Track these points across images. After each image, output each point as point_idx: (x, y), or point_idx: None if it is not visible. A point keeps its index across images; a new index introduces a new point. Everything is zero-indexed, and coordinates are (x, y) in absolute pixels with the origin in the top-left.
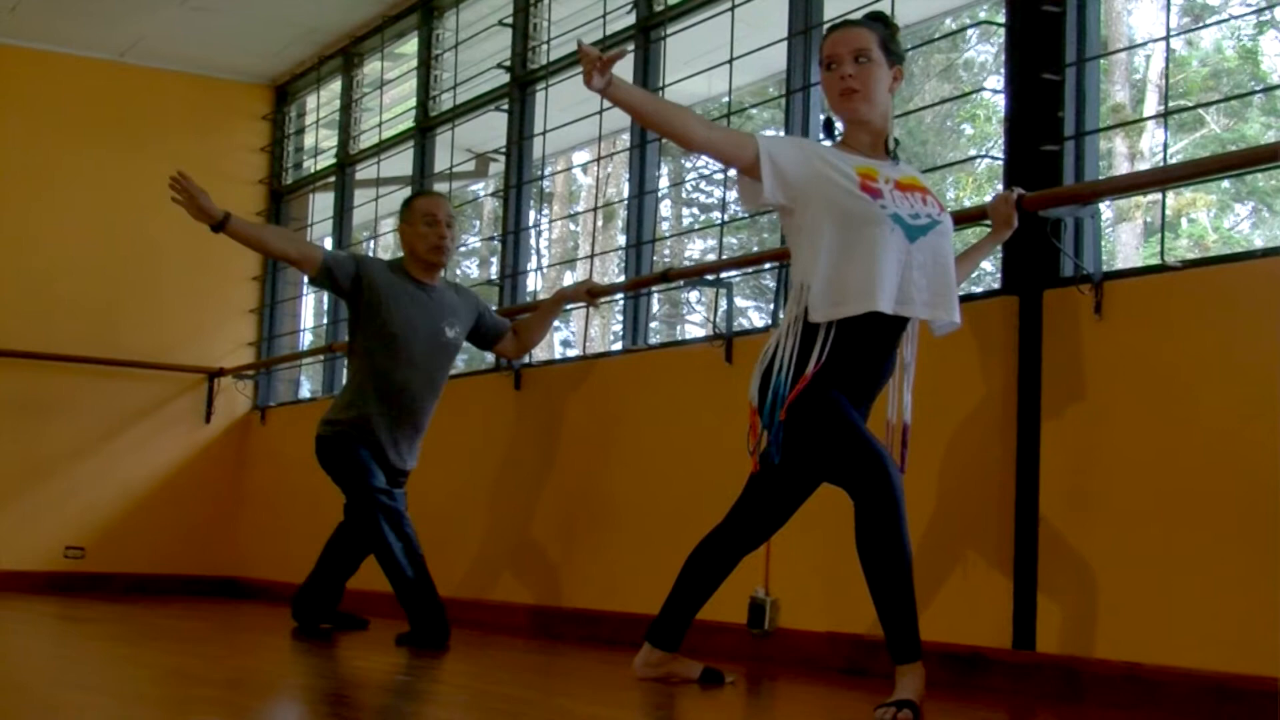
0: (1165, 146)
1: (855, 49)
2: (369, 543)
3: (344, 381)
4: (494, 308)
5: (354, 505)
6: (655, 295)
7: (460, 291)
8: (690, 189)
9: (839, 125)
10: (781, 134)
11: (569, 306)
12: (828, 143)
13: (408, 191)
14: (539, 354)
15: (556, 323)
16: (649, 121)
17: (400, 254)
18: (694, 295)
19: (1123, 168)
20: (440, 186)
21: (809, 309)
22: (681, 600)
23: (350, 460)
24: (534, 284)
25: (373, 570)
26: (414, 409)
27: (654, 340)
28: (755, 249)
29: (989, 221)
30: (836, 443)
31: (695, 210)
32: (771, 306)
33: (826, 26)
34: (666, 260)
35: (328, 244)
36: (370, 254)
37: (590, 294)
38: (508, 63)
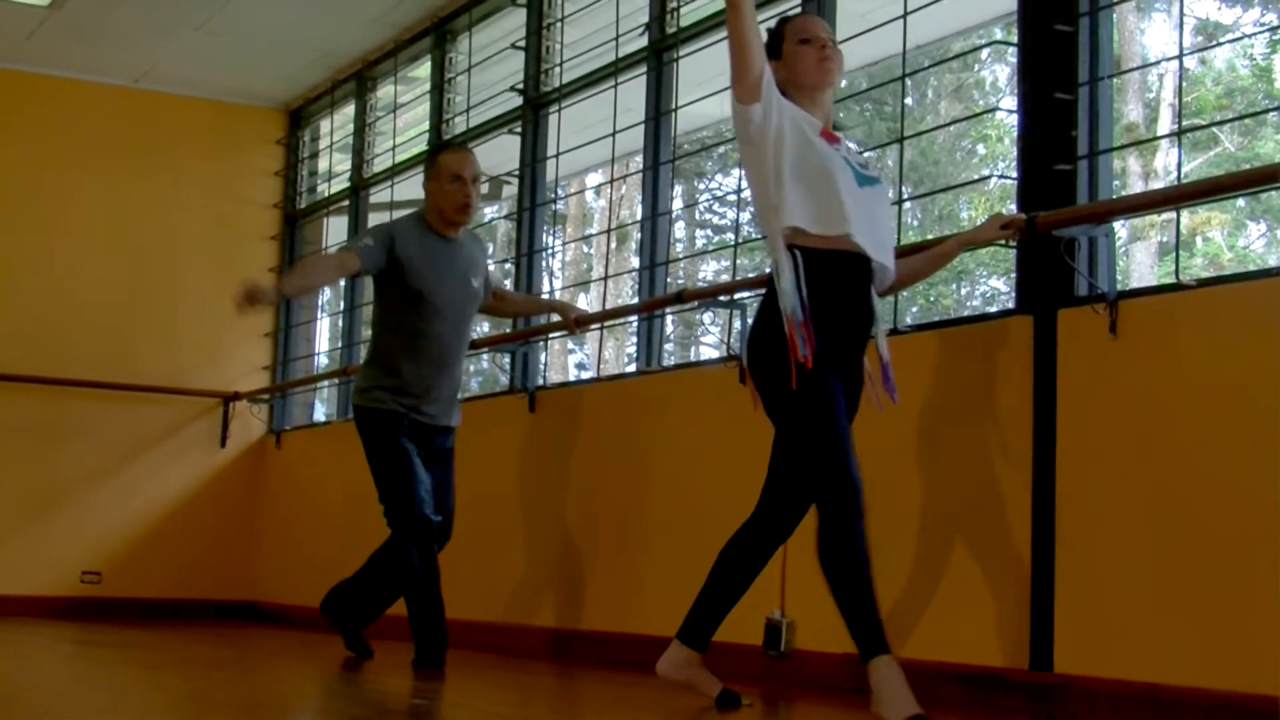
0: (1179, 165)
1: (829, 33)
2: (397, 562)
3: (372, 340)
4: (507, 329)
5: (388, 519)
6: (669, 317)
7: (475, 240)
8: (704, 210)
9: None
10: None
11: (587, 329)
12: None
13: None
14: (553, 376)
15: (571, 345)
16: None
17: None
18: (708, 316)
19: (1136, 187)
20: None
21: (780, 220)
22: (712, 598)
23: (393, 461)
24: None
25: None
26: (446, 360)
27: (668, 362)
28: (768, 270)
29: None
30: (815, 444)
31: (709, 232)
32: None
33: (789, 16)
34: (680, 282)
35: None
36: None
37: (576, 322)
38: (521, 85)
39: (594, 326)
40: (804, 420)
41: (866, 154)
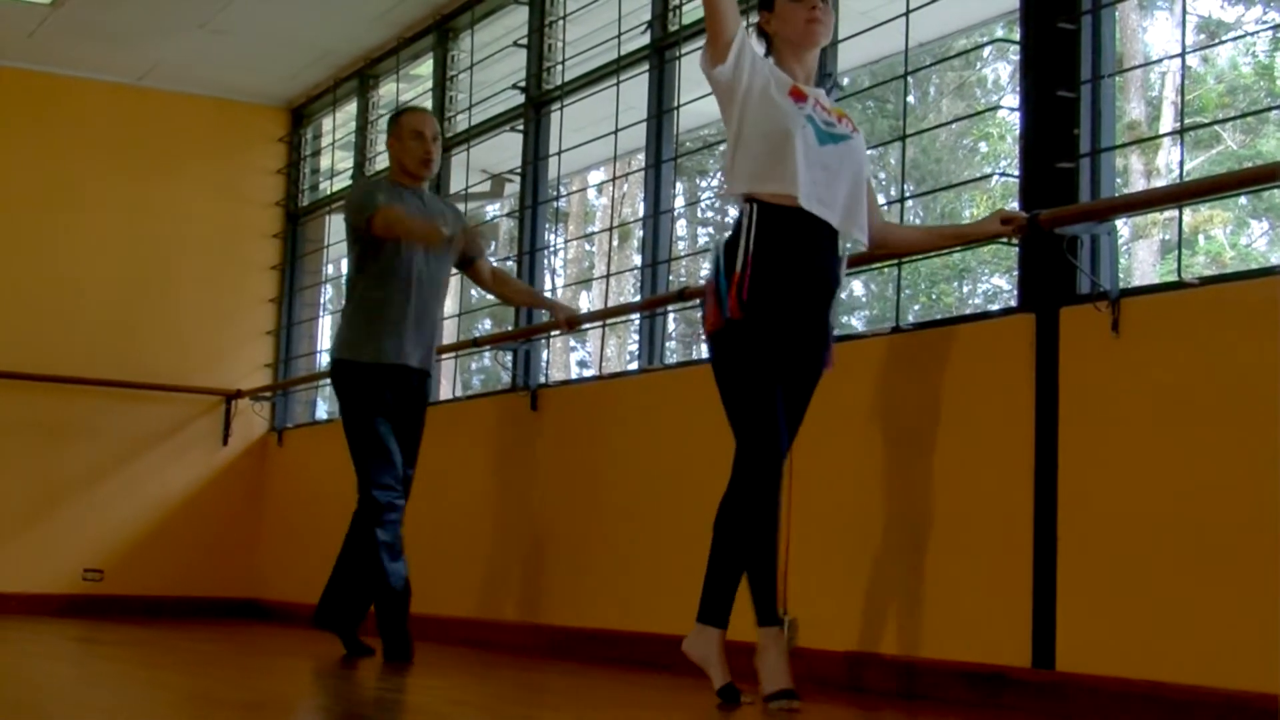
0: (1181, 163)
1: None
2: (363, 546)
3: (348, 293)
4: (509, 328)
5: (358, 506)
6: (671, 315)
7: (449, 204)
8: (706, 208)
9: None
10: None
11: (577, 330)
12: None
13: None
14: (555, 374)
15: (573, 342)
16: None
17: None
18: None
19: (1139, 185)
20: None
21: (733, 182)
22: (716, 572)
23: (367, 439)
24: None
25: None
26: (422, 296)
27: (670, 360)
28: None
29: (1007, 239)
30: (744, 405)
31: (711, 229)
32: None
33: None
34: (682, 280)
35: (344, 265)
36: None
37: (569, 323)
38: (523, 83)
39: (593, 325)
40: (730, 377)
41: (846, 126)
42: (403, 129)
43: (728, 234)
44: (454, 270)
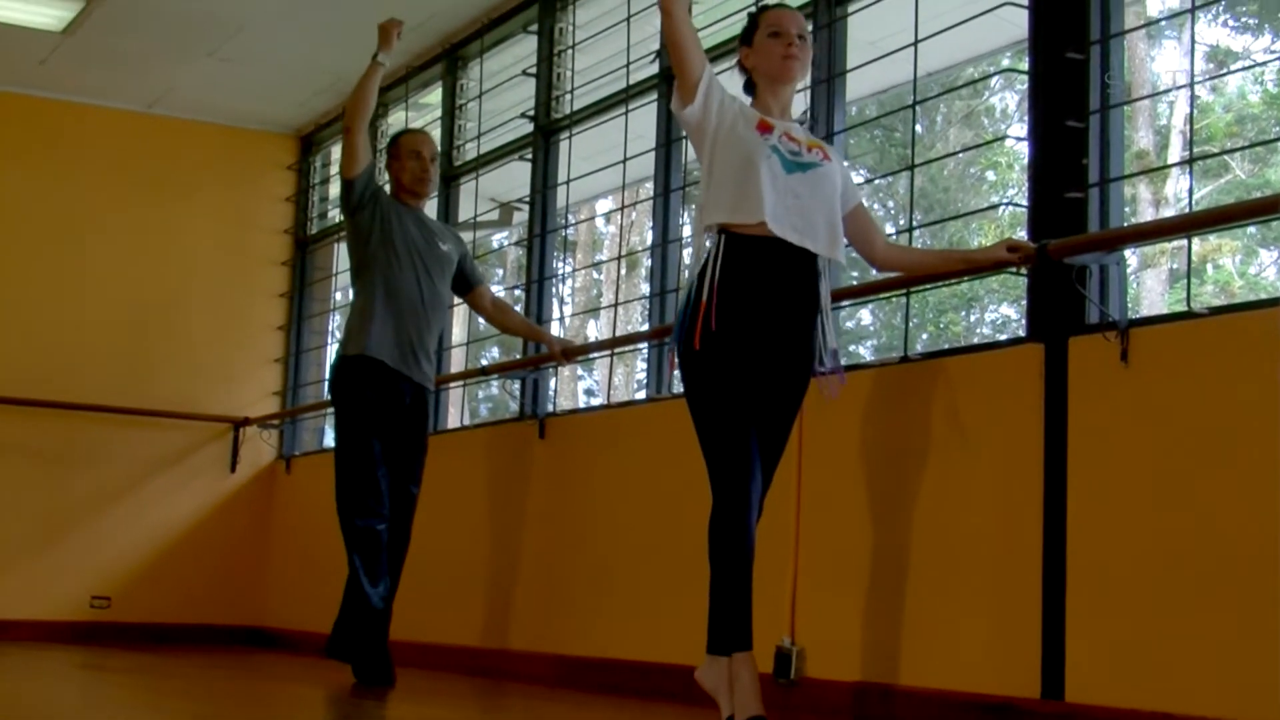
0: (1190, 192)
1: (800, 28)
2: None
3: (351, 304)
4: (517, 356)
5: (340, 515)
6: None
7: (449, 228)
8: None
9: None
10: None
11: (573, 361)
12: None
13: None
14: (563, 403)
15: (580, 371)
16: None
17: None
18: None
19: (1147, 214)
20: (464, 236)
21: (704, 216)
22: (714, 600)
23: (356, 459)
24: (557, 333)
25: (399, 620)
26: (417, 309)
27: (678, 388)
28: None
29: (1016, 269)
30: (709, 433)
31: None
32: None
33: (769, 4)
34: None
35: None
36: None
37: (564, 354)
38: (531, 112)
39: (601, 354)
40: (697, 407)
41: (824, 158)
42: (401, 149)
43: (698, 266)
44: (458, 299)
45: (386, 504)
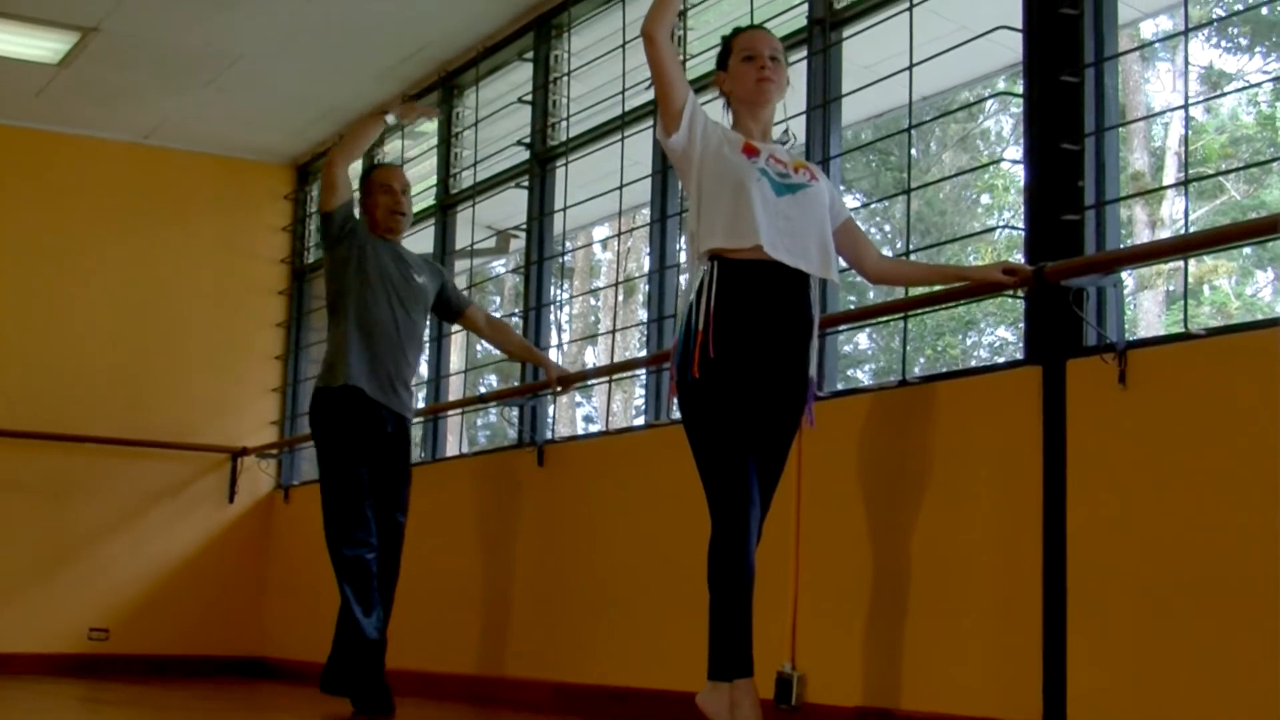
0: (1186, 214)
1: (773, 49)
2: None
3: (328, 337)
4: (516, 383)
5: (329, 547)
6: None
7: (428, 260)
8: None
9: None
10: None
11: (569, 389)
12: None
13: None
14: (562, 430)
15: (579, 398)
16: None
17: None
18: None
19: (1143, 236)
20: (461, 264)
21: (698, 244)
22: (713, 627)
23: (342, 488)
24: (556, 359)
25: (397, 648)
26: (394, 340)
27: (676, 415)
28: None
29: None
30: (708, 461)
31: None
32: None
33: (742, 28)
34: None
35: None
36: None
37: (561, 381)
38: (528, 140)
39: (599, 380)
40: (696, 436)
41: (823, 184)
42: (373, 184)
43: (691, 295)
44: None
45: (374, 533)
